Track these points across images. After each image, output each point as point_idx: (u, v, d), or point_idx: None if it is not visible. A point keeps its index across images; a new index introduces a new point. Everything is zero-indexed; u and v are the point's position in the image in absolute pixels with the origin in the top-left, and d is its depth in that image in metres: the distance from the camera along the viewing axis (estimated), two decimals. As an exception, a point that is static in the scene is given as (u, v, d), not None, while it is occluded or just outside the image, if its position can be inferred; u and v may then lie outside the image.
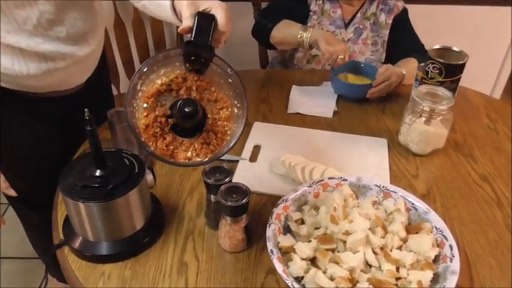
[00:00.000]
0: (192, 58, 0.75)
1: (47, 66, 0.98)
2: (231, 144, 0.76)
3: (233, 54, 2.15)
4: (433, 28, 2.08)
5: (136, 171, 0.82)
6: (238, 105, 0.79)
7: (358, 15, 1.52)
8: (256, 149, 1.12)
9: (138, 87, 0.74)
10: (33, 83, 1.00)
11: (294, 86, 1.37)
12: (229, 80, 0.78)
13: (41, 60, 0.96)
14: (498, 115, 1.29)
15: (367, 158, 1.09)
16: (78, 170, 0.80)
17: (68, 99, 1.08)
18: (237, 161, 1.07)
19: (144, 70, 0.73)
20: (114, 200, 0.77)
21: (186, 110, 0.71)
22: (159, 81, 0.74)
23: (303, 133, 1.18)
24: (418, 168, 1.08)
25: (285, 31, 1.39)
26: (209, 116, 0.78)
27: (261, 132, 1.17)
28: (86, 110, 0.72)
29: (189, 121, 0.74)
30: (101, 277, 0.79)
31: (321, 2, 1.50)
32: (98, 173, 0.79)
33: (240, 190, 0.81)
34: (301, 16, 1.51)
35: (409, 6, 2.05)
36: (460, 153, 1.13)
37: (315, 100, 1.31)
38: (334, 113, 1.27)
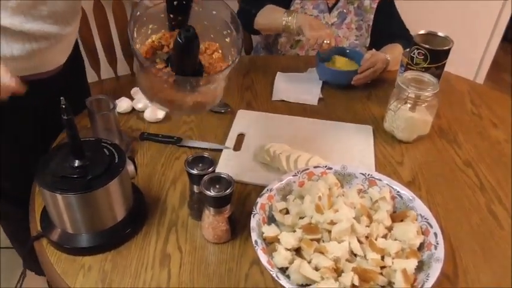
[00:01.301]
0: (175, 3, 0.74)
1: (31, 47, 0.96)
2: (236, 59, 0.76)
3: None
4: (418, 14, 2.07)
5: (117, 161, 0.79)
6: (226, 39, 0.79)
7: None
8: (240, 137, 1.10)
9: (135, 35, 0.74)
10: (17, 65, 0.96)
11: (278, 73, 1.35)
12: (213, 12, 0.77)
13: (25, 40, 0.94)
14: (482, 100, 1.29)
15: (352, 146, 1.08)
16: (56, 160, 0.78)
17: (46, 85, 1.04)
18: (221, 150, 1.05)
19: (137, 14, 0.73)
20: (94, 191, 0.75)
21: (186, 33, 0.67)
22: (149, 40, 0.75)
23: (288, 121, 1.16)
24: (403, 155, 1.08)
25: (269, 17, 1.36)
26: (204, 63, 0.77)
27: (245, 120, 1.15)
28: (62, 98, 0.69)
29: (191, 46, 0.70)
30: (81, 270, 0.77)
31: None
32: (76, 163, 0.76)
33: (223, 180, 0.79)
34: (284, 1, 1.48)
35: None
36: (444, 139, 1.13)
37: (300, 87, 1.29)
38: (320, 100, 1.25)
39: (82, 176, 0.76)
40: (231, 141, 1.08)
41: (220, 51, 0.79)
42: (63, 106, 0.69)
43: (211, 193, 0.77)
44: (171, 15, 0.75)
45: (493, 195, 0.97)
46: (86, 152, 0.77)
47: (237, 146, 1.07)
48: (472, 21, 2.23)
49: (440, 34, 1.14)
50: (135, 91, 1.20)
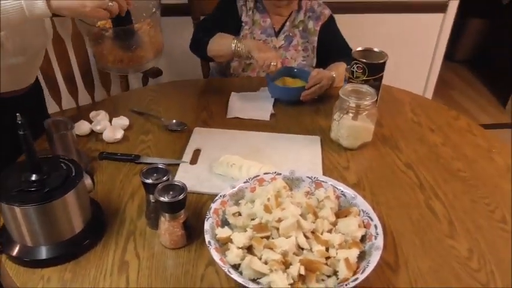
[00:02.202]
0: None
1: (16, 60, 1.07)
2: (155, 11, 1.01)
3: (176, 66, 2.20)
4: (366, 36, 2.22)
5: (74, 174, 0.84)
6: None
7: (287, 23, 1.61)
8: (197, 152, 1.15)
9: None
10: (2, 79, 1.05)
11: (233, 93, 1.43)
12: None
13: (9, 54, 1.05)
14: (422, 110, 1.40)
15: (301, 155, 1.15)
16: (14, 176, 0.81)
17: (17, 104, 1.10)
18: (178, 164, 1.10)
19: None
20: (51, 203, 0.79)
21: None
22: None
23: (242, 135, 1.23)
24: (349, 161, 1.16)
25: (219, 43, 1.45)
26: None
27: (201, 137, 1.21)
28: (18, 114, 0.73)
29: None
30: (40, 281, 0.79)
31: (251, 12, 1.59)
32: (33, 177, 0.80)
33: (177, 187, 0.85)
34: (234, 27, 1.58)
35: (343, 16, 2.19)
36: (387, 145, 1.22)
37: (253, 104, 1.37)
38: (271, 115, 1.33)
39: (39, 189, 0.79)
40: (187, 156, 1.13)
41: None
42: (20, 122, 0.74)
43: (166, 199, 0.82)
44: None
45: (431, 193, 1.06)
46: (43, 167, 0.81)
47: (194, 160, 1.12)
48: (415, 40, 2.40)
49: (375, 49, 1.25)
50: (94, 114, 1.24)
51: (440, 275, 0.85)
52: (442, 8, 2.31)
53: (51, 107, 1.91)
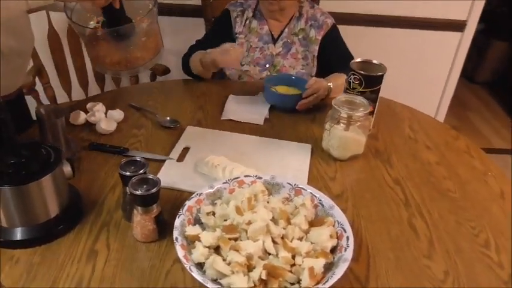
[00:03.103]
0: None
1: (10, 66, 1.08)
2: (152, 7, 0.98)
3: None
4: (379, 50, 2.21)
5: (52, 160, 0.85)
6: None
7: (286, 30, 1.61)
8: (185, 150, 1.16)
9: None
10: None
11: (231, 95, 1.44)
12: None
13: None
14: (420, 126, 1.38)
15: (288, 161, 1.15)
16: (-6, 158, 0.83)
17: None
18: (164, 160, 1.11)
19: None
20: (27, 185, 0.81)
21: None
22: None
23: (232, 137, 1.23)
24: (336, 172, 1.14)
25: (193, 60, 1.50)
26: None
27: (192, 136, 1.22)
28: (-2, 97, 0.76)
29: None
30: (8, 261, 0.81)
31: (247, 22, 1.60)
32: (12, 160, 0.82)
33: (151, 181, 0.85)
34: (229, 38, 1.62)
35: (356, 28, 2.19)
36: (378, 159, 1.21)
37: (249, 108, 1.37)
38: (266, 120, 1.33)
39: (17, 171, 0.81)
40: (175, 153, 1.14)
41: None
42: None
43: (138, 192, 0.82)
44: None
45: (415, 211, 1.03)
46: (23, 151, 0.83)
47: (181, 158, 1.13)
48: (431, 58, 2.37)
49: (375, 62, 1.24)
50: (91, 105, 1.27)
51: (410, 293, 0.83)
52: (460, 27, 2.27)
53: (61, 98, 1.96)
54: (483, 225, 1.00)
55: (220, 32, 1.65)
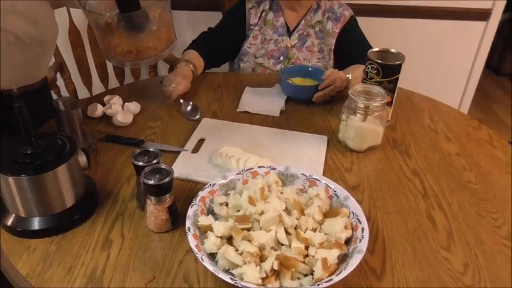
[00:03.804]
0: None
1: (29, 54, 1.09)
2: None
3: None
4: (400, 41, 2.16)
5: (68, 150, 0.86)
6: None
7: (302, 22, 1.59)
8: (200, 142, 1.16)
9: None
10: (15, 73, 1.09)
11: (247, 87, 1.43)
12: None
13: (24, 48, 1.07)
14: (440, 117, 1.34)
15: (304, 152, 1.13)
16: (11, 149, 0.85)
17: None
18: (179, 152, 1.11)
19: None
20: (42, 174, 0.82)
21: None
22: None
23: (247, 129, 1.23)
24: (353, 163, 1.12)
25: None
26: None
27: (208, 127, 1.22)
28: (13, 87, 0.77)
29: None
30: (26, 250, 0.83)
31: (263, 14, 1.58)
32: (28, 150, 0.83)
33: (164, 171, 0.85)
34: (238, 35, 1.63)
35: (377, 19, 2.15)
36: (396, 150, 1.18)
37: (265, 100, 1.36)
38: (282, 112, 1.32)
39: (33, 161, 0.83)
40: (191, 144, 1.14)
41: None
42: (15, 95, 0.77)
43: (151, 181, 0.83)
44: None
45: (434, 202, 1.01)
46: (40, 141, 0.85)
47: (196, 149, 1.13)
48: (454, 48, 2.30)
49: (393, 51, 1.21)
50: (108, 98, 1.28)
51: (428, 286, 0.81)
52: (484, 16, 2.20)
53: (82, 93, 1.99)
54: (506, 217, 0.97)
55: (232, 21, 1.64)
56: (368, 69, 1.19)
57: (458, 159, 1.15)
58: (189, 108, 1.29)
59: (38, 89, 1.24)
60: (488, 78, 3.58)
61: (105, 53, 1.01)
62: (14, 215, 0.87)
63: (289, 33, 1.61)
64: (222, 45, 1.59)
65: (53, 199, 0.86)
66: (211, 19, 1.96)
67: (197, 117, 1.26)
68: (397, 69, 1.17)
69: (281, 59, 1.60)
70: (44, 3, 1.13)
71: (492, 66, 3.67)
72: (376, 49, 1.22)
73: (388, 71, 1.16)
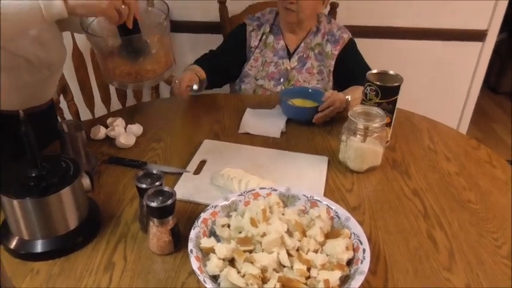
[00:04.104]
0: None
1: (39, 76, 1.15)
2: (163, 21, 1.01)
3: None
4: (398, 62, 2.20)
5: (72, 172, 0.88)
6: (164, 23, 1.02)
7: (302, 44, 1.62)
8: (202, 163, 1.17)
9: None
10: (25, 94, 1.14)
11: (248, 109, 1.45)
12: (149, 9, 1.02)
13: (34, 70, 1.13)
14: (440, 137, 1.36)
15: (305, 173, 1.14)
16: (16, 171, 0.86)
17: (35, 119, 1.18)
18: (181, 173, 1.12)
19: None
20: (47, 197, 0.83)
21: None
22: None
23: (248, 150, 1.24)
24: (353, 184, 1.13)
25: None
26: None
27: (209, 149, 1.23)
28: (20, 111, 0.78)
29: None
30: (29, 272, 0.83)
31: (264, 36, 1.62)
32: (33, 173, 0.84)
33: (166, 193, 0.86)
34: (240, 56, 1.67)
35: (375, 41, 2.19)
36: (396, 170, 1.19)
37: (265, 121, 1.38)
38: (282, 133, 1.34)
39: (37, 184, 0.84)
40: (192, 166, 1.15)
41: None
42: (22, 119, 0.79)
43: (154, 204, 0.84)
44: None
45: (435, 222, 1.01)
46: (44, 164, 0.86)
47: (197, 171, 1.14)
48: (452, 69, 2.33)
49: (391, 72, 1.23)
50: (111, 121, 1.30)
51: (430, 307, 0.81)
52: (480, 37, 2.24)
53: (84, 114, 2.02)
54: (506, 236, 0.97)
55: (233, 44, 1.68)
56: (367, 90, 1.21)
57: (458, 179, 1.16)
58: (195, 86, 1.37)
59: (45, 110, 1.27)
60: (486, 97, 3.61)
61: (105, 74, 1.04)
62: (17, 237, 0.88)
63: (289, 55, 1.64)
64: (223, 66, 1.62)
65: (57, 221, 0.87)
66: (212, 42, 2.00)
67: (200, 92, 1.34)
68: (395, 90, 1.19)
69: (281, 80, 1.63)
70: (53, 27, 1.17)
71: (490, 85, 3.70)
72: (374, 71, 1.24)
73: (386, 92, 1.18)
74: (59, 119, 1.76)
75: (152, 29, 0.98)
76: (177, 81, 1.35)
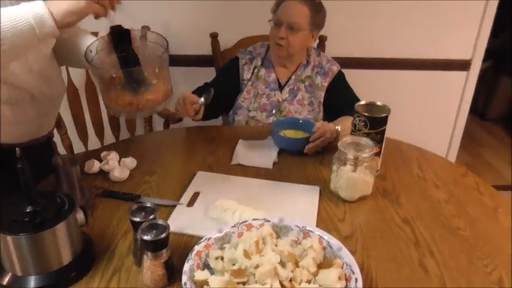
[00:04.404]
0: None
1: (41, 110, 1.19)
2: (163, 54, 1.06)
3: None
4: (387, 92, 2.25)
5: (66, 208, 0.89)
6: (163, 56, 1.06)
7: (293, 77, 1.67)
8: (196, 195, 1.19)
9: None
10: (27, 129, 1.19)
11: (240, 140, 1.48)
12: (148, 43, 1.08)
13: (36, 104, 1.17)
14: (429, 166, 1.39)
15: (297, 203, 1.16)
16: (11, 207, 0.87)
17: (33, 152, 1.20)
18: (175, 206, 1.13)
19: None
20: (41, 233, 0.83)
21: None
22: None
23: (241, 181, 1.26)
24: (345, 213, 1.15)
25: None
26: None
27: (202, 180, 1.25)
28: (16, 148, 0.80)
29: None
30: (23, 309, 0.83)
31: (256, 70, 1.67)
32: (28, 208, 0.85)
33: (160, 227, 0.87)
34: (233, 87, 1.70)
35: (364, 71, 2.25)
36: (387, 199, 1.21)
37: (258, 152, 1.40)
38: (274, 164, 1.36)
39: (32, 220, 0.84)
40: (186, 198, 1.17)
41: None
42: (18, 155, 0.80)
43: (147, 237, 0.85)
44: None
45: (426, 250, 1.03)
46: (39, 199, 0.87)
47: (191, 203, 1.15)
48: (439, 97, 2.39)
49: (379, 103, 1.27)
50: (105, 154, 1.31)
51: (423, 336, 0.81)
52: (465, 66, 2.31)
53: (77, 147, 2.03)
54: (496, 263, 0.99)
55: (227, 77, 1.72)
56: (356, 121, 1.24)
57: (447, 207, 1.19)
58: (202, 99, 1.39)
59: (44, 143, 1.30)
60: (475, 123, 3.69)
61: (107, 105, 1.08)
62: (10, 273, 0.87)
63: (281, 87, 1.68)
64: (218, 97, 1.64)
65: (51, 257, 0.87)
66: (205, 74, 2.05)
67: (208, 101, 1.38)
68: (383, 121, 1.23)
69: (273, 112, 1.66)
70: (53, 61, 1.22)
71: (478, 111, 3.79)
72: (363, 102, 1.28)
73: (375, 123, 1.22)
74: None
75: (152, 61, 1.03)
76: (180, 101, 1.37)
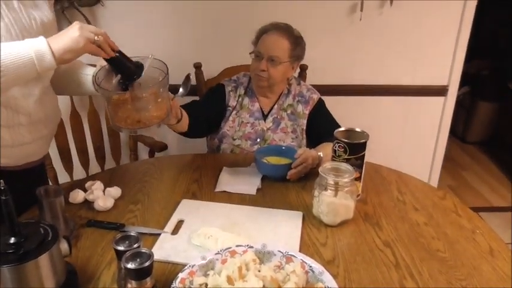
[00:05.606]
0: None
1: (39, 134, 1.25)
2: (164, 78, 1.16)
3: (183, 142, 2.31)
4: (366, 118, 2.32)
5: (50, 238, 0.89)
6: (159, 78, 1.16)
7: (276, 106, 1.72)
8: (180, 223, 1.20)
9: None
10: (23, 152, 1.22)
11: (224, 168, 1.50)
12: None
13: (34, 128, 1.23)
14: (408, 189, 1.42)
15: (280, 229, 1.18)
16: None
17: (23, 176, 1.23)
18: (159, 234, 1.14)
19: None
20: (24, 264, 0.84)
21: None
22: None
23: (225, 208, 1.28)
24: (327, 237, 1.17)
25: None
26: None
27: (186, 208, 1.27)
28: (1, 180, 0.81)
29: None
30: None
31: (240, 98, 1.71)
32: (11, 240, 0.86)
33: (144, 255, 0.88)
34: (219, 111, 1.73)
35: (344, 98, 2.31)
36: (368, 222, 1.24)
37: (241, 179, 1.42)
38: (258, 190, 1.38)
39: (15, 251, 0.85)
40: (170, 226, 1.18)
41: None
42: (2, 188, 0.81)
43: (131, 266, 0.85)
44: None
45: (406, 272, 1.05)
46: (23, 230, 0.88)
47: (175, 231, 1.16)
48: (418, 122, 2.46)
49: (357, 130, 1.31)
50: (90, 184, 1.32)
51: None
52: (442, 92, 2.39)
53: (63, 177, 2.03)
54: (474, 283, 1.01)
55: (212, 100, 1.73)
56: (336, 147, 1.28)
57: (426, 229, 1.22)
58: (181, 90, 1.40)
59: (39, 166, 1.34)
60: (455, 145, 3.77)
61: (113, 122, 1.18)
62: (-7, 306, 0.87)
63: (264, 116, 1.72)
64: (205, 115, 1.64)
65: (34, 288, 0.87)
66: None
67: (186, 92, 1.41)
68: (362, 147, 1.27)
69: (258, 140, 1.70)
70: (50, 89, 1.28)
71: (458, 135, 3.88)
72: (342, 129, 1.32)
73: (354, 149, 1.26)
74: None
75: (158, 83, 1.15)
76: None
